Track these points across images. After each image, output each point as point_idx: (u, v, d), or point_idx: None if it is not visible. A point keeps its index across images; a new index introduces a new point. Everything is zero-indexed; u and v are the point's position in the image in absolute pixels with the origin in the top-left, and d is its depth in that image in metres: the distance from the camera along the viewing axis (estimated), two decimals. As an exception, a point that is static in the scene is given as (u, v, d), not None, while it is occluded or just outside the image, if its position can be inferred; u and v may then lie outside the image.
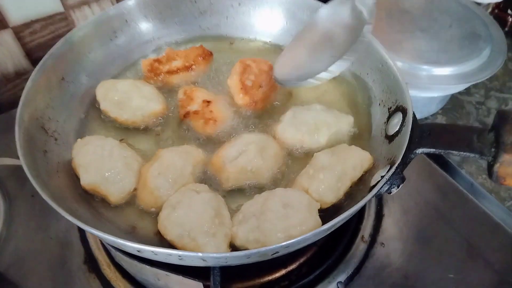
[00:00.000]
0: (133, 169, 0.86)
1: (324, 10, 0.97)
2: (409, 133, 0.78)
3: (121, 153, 0.87)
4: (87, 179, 0.84)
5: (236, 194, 0.89)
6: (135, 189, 0.86)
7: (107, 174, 0.84)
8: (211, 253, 0.69)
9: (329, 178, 0.83)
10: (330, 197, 0.83)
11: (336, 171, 0.84)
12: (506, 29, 1.51)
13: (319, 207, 0.80)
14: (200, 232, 0.74)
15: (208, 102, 0.96)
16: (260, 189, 0.88)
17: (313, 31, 0.97)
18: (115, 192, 0.84)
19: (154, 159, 0.87)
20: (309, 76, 0.87)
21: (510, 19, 1.52)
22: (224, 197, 0.86)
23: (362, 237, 1.03)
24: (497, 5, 1.49)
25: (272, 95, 1.04)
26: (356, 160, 0.87)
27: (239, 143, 0.90)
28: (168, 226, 0.76)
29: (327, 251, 0.99)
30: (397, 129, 0.85)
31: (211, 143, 0.96)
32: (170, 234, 0.75)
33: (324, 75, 0.86)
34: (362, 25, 0.86)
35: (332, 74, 0.86)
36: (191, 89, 1.00)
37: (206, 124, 0.94)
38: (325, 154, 0.88)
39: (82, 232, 1.02)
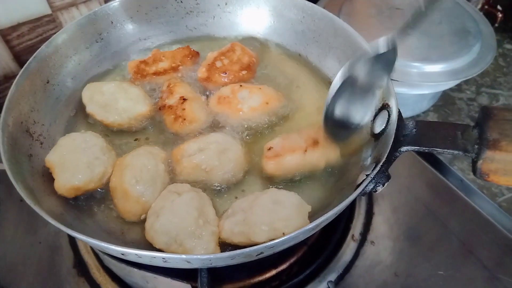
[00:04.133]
0: (93, 172, 0.84)
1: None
2: (394, 131, 0.78)
3: (95, 153, 0.85)
4: (51, 156, 0.85)
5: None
6: (78, 189, 0.84)
7: (68, 161, 0.83)
8: (195, 255, 0.69)
9: None
10: None
11: None
12: (496, 25, 1.51)
13: (310, 210, 0.79)
14: (186, 236, 0.74)
15: (184, 99, 0.95)
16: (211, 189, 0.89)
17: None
18: (61, 179, 0.82)
19: (121, 168, 0.85)
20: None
21: (499, 15, 1.51)
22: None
23: (353, 235, 1.03)
24: (486, 1, 1.49)
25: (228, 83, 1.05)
26: None
27: (203, 140, 0.90)
28: (155, 235, 0.75)
29: (318, 251, 0.99)
30: (383, 128, 0.85)
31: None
32: (158, 243, 0.75)
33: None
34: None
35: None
36: (175, 83, 1.00)
37: (175, 121, 0.94)
38: None
39: (71, 236, 1.00)
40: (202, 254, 0.70)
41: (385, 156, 0.75)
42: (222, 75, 1.04)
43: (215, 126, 0.97)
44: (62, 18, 1.29)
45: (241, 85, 1.00)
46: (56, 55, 1.00)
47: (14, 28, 1.23)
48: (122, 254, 0.68)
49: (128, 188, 0.82)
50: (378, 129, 0.87)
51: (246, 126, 0.97)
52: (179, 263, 0.69)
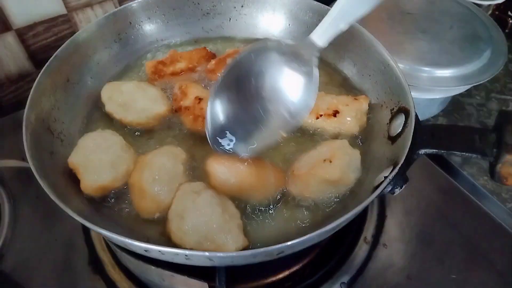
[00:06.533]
0: (117, 170, 0.85)
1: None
2: (411, 134, 0.79)
3: (117, 152, 0.87)
4: (74, 157, 0.86)
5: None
6: (105, 189, 0.85)
7: (91, 161, 0.85)
8: (218, 252, 0.69)
9: None
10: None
11: None
12: (507, 30, 1.52)
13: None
14: (217, 232, 0.75)
15: (200, 99, 0.96)
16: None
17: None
18: (87, 180, 0.83)
19: (141, 166, 0.86)
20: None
21: (510, 21, 1.53)
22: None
23: (365, 238, 1.04)
24: (497, 6, 1.50)
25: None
26: None
27: (322, 150, 0.89)
28: (184, 236, 0.76)
29: (330, 252, 1.00)
30: (399, 130, 0.86)
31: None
32: (188, 243, 0.76)
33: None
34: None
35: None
36: (186, 84, 1.01)
37: (195, 121, 0.95)
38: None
39: (86, 233, 1.02)
40: (224, 252, 0.70)
41: (403, 159, 0.76)
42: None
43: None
44: (77, 18, 1.30)
45: None
46: (77, 54, 1.01)
47: (31, 27, 1.25)
48: (146, 251, 0.69)
49: (144, 186, 0.83)
50: (394, 132, 0.88)
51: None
52: (201, 260, 0.70)
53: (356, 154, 0.89)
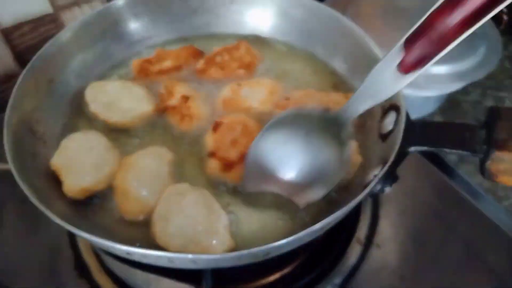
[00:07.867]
0: (101, 172, 0.84)
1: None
2: (402, 131, 0.77)
3: (101, 153, 0.85)
4: (56, 159, 0.85)
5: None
6: (88, 191, 0.84)
7: (74, 163, 0.84)
8: (201, 254, 0.68)
9: None
10: None
11: None
12: (501, 27, 1.51)
13: None
14: (203, 234, 0.74)
15: (187, 98, 0.95)
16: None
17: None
18: (70, 182, 0.82)
19: (126, 167, 0.85)
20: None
21: (504, 18, 1.52)
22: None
23: (358, 238, 1.02)
24: (492, 3, 1.49)
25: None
26: None
27: None
28: (169, 239, 0.74)
29: (322, 254, 0.98)
30: (390, 128, 0.84)
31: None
32: (173, 246, 0.74)
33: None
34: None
35: None
36: (172, 83, 0.99)
37: (182, 120, 0.93)
38: None
39: (72, 237, 1.01)
40: (208, 254, 0.69)
41: (393, 156, 0.74)
42: (218, 70, 1.04)
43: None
44: (64, 17, 1.29)
45: (239, 84, 1.00)
46: (60, 53, 0.99)
47: (16, 27, 1.23)
48: (128, 254, 0.67)
49: (128, 188, 0.82)
50: (385, 129, 0.87)
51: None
52: (185, 263, 0.68)
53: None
